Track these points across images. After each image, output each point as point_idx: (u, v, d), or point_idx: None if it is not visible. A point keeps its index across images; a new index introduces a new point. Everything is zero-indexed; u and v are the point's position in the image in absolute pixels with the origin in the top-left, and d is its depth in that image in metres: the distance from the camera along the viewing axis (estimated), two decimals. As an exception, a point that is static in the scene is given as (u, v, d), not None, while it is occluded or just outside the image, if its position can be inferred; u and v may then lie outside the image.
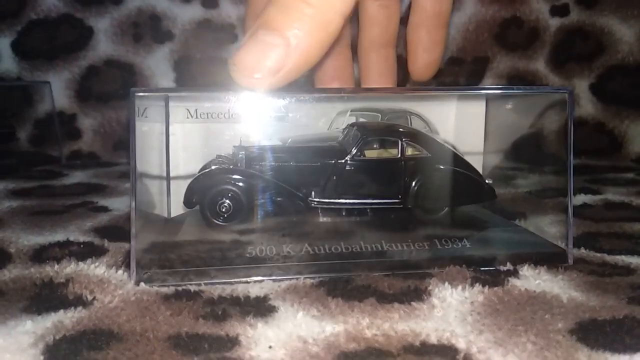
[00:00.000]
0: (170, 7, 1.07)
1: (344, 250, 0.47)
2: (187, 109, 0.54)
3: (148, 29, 1.07)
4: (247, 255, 0.46)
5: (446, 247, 0.48)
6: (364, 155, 0.53)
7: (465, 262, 0.45)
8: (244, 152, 0.53)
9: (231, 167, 0.53)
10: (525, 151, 0.98)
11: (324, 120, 0.58)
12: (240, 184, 0.52)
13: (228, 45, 1.07)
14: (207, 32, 1.07)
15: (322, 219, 0.54)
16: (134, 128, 0.43)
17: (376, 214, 0.54)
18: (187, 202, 0.52)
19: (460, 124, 0.59)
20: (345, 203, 0.53)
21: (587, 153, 1.03)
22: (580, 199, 0.71)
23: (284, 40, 0.40)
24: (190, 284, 0.42)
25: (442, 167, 0.54)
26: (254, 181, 0.52)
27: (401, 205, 0.53)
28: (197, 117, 0.54)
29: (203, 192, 0.51)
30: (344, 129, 0.56)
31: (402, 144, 0.53)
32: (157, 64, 1.07)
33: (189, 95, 0.56)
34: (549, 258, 0.47)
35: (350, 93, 0.58)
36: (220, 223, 0.51)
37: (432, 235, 0.49)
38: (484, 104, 0.59)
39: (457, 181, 0.55)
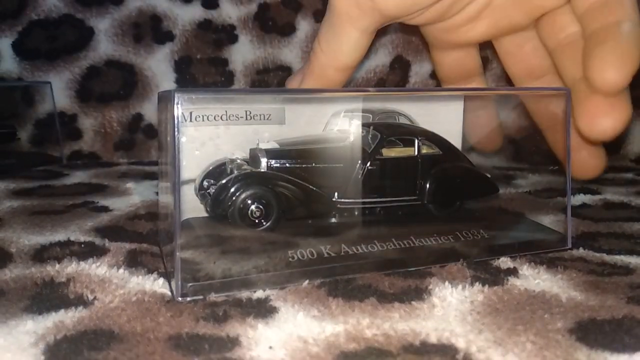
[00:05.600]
0: (170, 7, 1.07)
1: (379, 248, 0.47)
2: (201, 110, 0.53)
3: (149, 29, 1.07)
4: (290, 259, 0.44)
5: (468, 238, 0.50)
6: (382, 155, 0.54)
7: (490, 251, 0.49)
8: (264, 154, 0.52)
9: (254, 170, 0.51)
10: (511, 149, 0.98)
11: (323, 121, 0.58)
12: (270, 187, 0.50)
13: (228, 45, 1.07)
14: (208, 33, 1.07)
15: (346, 219, 0.54)
16: (176, 132, 0.40)
17: (394, 212, 0.55)
18: (213, 209, 0.50)
19: (441, 123, 0.59)
20: (368, 202, 0.54)
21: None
22: (580, 198, 0.71)
23: None
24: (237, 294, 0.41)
25: (452, 163, 0.56)
26: (282, 183, 0.51)
27: (419, 202, 0.55)
28: (206, 120, 0.53)
29: (232, 198, 0.49)
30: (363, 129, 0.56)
31: (418, 143, 0.54)
32: (158, 64, 1.07)
33: (202, 97, 0.53)
34: (550, 243, 0.52)
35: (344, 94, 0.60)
36: (252, 229, 0.50)
37: (453, 229, 0.51)
38: (462, 103, 0.61)
39: (466, 176, 0.57)
